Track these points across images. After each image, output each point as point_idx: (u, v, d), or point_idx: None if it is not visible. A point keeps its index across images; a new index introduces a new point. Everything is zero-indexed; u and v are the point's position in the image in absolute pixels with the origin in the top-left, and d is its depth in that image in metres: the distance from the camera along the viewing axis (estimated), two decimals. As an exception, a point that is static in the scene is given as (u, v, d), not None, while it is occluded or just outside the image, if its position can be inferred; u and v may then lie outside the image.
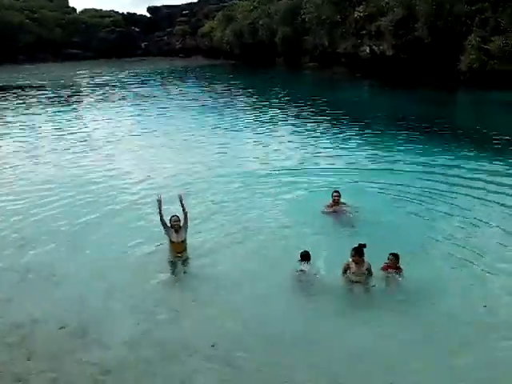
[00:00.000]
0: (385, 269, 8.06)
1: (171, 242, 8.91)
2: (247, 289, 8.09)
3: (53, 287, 8.21)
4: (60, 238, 10.03)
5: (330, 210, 10.77)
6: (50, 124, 23.55)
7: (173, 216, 8.89)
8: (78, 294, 7.93)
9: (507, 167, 14.01)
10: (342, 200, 10.83)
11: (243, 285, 8.19)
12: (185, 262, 8.92)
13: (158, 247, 9.33)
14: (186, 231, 9.03)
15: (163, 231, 8.92)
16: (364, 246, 7.82)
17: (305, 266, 8.16)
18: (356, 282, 7.87)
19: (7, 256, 9.28)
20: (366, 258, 7.85)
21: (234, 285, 8.18)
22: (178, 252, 8.93)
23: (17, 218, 11.06)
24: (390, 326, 6.97)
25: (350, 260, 7.89)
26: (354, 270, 7.88)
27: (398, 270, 8.04)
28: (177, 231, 8.87)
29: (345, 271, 7.97)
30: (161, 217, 8.80)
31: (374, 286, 7.91)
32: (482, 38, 29.81)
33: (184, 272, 8.77)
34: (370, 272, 7.93)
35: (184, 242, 9.00)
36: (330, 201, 10.79)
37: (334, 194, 10.79)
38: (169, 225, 8.86)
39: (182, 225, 8.92)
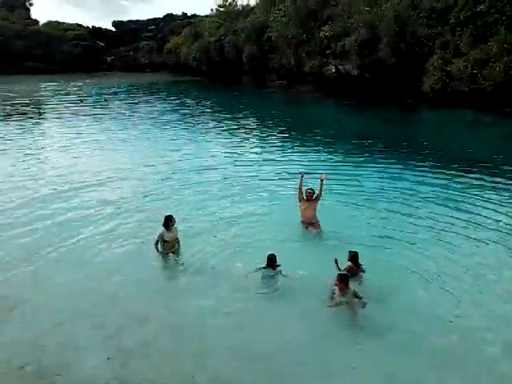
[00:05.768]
0: (351, 269, 8.28)
1: (164, 241, 9.47)
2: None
3: (14, 319, 7.63)
4: (20, 262, 9.39)
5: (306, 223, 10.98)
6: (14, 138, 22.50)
7: (169, 215, 9.54)
8: (42, 326, 7.43)
9: (467, 184, 14.41)
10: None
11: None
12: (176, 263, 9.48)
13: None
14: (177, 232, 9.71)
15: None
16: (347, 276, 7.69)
17: (269, 271, 8.42)
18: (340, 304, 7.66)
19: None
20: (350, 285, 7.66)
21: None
22: (171, 248, 9.53)
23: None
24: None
25: (335, 286, 7.69)
26: (337, 296, 7.67)
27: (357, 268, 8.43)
28: (170, 230, 9.44)
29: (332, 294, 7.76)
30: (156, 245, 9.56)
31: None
32: (443, 60, 30.78)
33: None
34: (357, 296, 7.60)
35: (177, 240, 9.66)
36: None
37: (309, 190, 11.09)
38: (162, 229, 9.46)
39: (175, 226, 9.60)
